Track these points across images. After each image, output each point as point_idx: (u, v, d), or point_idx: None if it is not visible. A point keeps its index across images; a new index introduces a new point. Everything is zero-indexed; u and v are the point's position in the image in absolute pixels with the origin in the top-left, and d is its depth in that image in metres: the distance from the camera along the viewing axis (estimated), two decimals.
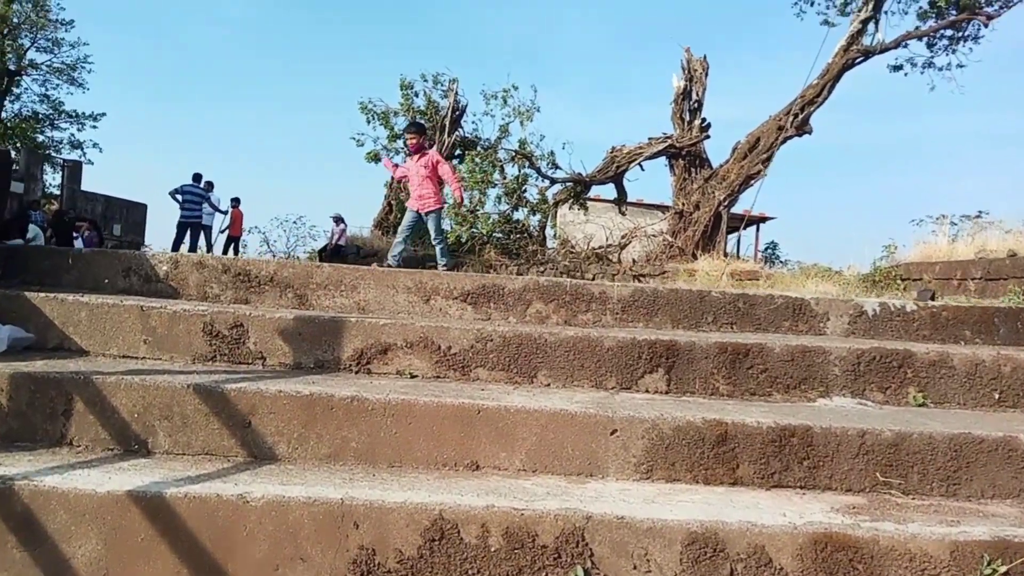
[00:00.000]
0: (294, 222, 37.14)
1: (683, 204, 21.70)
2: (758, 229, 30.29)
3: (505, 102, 22.35)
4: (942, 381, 2.86)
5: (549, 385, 2.56)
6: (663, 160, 22.68)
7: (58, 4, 27.68)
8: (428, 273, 2.91)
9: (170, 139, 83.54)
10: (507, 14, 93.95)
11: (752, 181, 20.72)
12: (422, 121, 19.85)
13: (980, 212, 27.09)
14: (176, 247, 15.94)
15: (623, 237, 21.66)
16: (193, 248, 15.51)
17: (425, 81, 22.64)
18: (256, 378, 2.48)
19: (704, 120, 22.85)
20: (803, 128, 20.71)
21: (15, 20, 25.93)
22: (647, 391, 2.74)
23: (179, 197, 15.21)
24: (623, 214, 22.69)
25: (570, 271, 19.69)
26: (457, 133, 22.78)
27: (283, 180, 76.93)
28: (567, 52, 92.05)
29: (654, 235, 21.84)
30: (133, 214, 24.44)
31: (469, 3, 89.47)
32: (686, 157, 22.03)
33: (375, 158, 22.88)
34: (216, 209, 16.65)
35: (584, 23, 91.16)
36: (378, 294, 2.92)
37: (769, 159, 20.67)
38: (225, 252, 18.29)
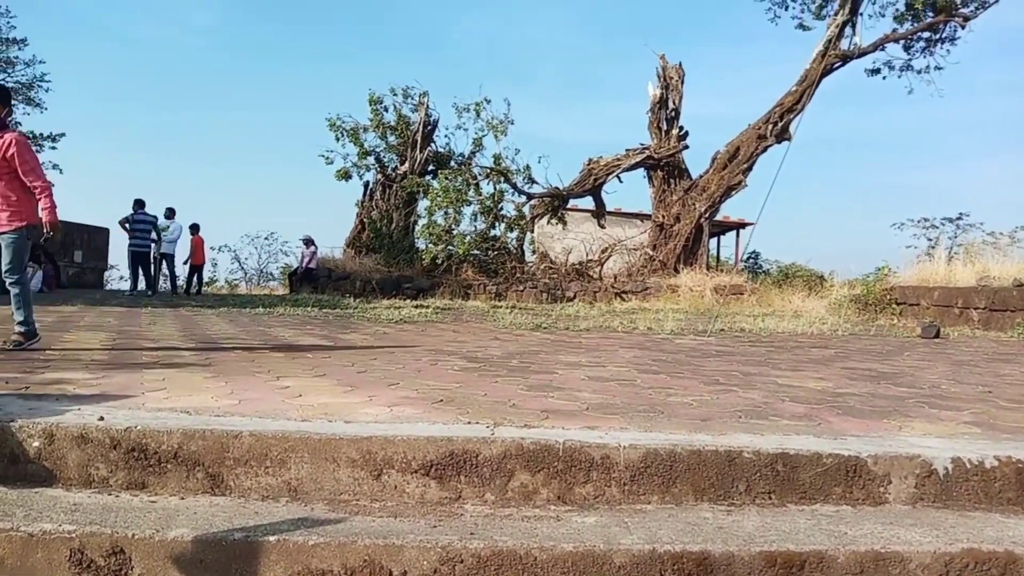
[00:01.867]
0: (265, 239, 36.36)
1: (663, 216, 21.20)
2: (738, 235, 29.92)
3: (478, 115, 21.71)
4: None
5: None
6: (641, 170, 22.17)
7: (8, 23, 26.63)
8: (379, 440, 2.21)
9: (136, 155, 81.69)
10: (475, 14, 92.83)
11: (733, 191, 20.26)
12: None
13: (961, 215, 26.94)
14: (135, 278, 15.14)
15: (603, 252, 21.13)
16: (146, 280, 14.66)
17: (395, 95, 21.97)
18: None
19: (682, 129, 22.38)
20: (783, 136, 20.31)
21: None
22: None
23: (127, 226, 14.46)
24: (602, 227, 22.14)
25: (550, 289, 19.12)
26: (429, 148, 22.12)
27: (253, 199, 75.43)
28: (535, 50, 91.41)
29: (635, 248, 21.33)
30: (95, 239, 23.46)
31: (435, 5, 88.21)
32: (665, 168, 21.53)
33: (345, 175, 22.16)
34: (158, 237, 15.82)
35: (551, 20, 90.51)
36: (313, 470, 2.22)
37: (750, 168, 20.23)
38: (189, 283, 17.43)
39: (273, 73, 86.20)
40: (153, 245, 16.85)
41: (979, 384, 4.36)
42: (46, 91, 28.63)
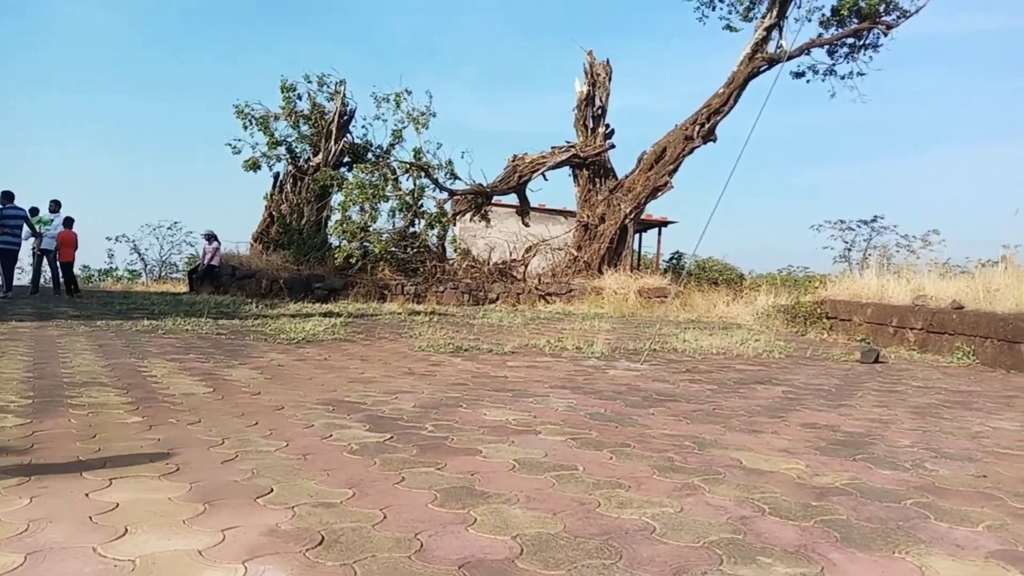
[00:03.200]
0: (168, 228, 34.08)
1: (588, 216, 20.68)
2: (660, 233, 29.80)
3: (398, 106, 20.63)
4: None
5: None
6: (567, 168, 21.58)
7: None
8: None
9: (30, 141, 75.99)
10: (403, 9, 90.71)
11: (659, 193, 19.91)
12: None
13: (876, 217, 27.52)
14: (7, 280, 13.46)
15: (527, 251, 20.46)
16: (6, 281, 12.99)
17: (309, 82, 20.64)
18: None
19: (608, 127, 21.90)
20: (709, 137, 20.06)
21: None
22: None
23: (4, 222, 12.81)
24: (527, 225, 21.46)
25: (472, 290, 18.29)
26: (345, 139, 20.91)
27: (156, 191, 71.37)
28: (462, 42, 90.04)
29: (559, 249, 20.74)
30: None
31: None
32: (591, 167, 21.00)
33: (253, 166, 20.72)
34: (33, 232, 14.22)
35: (478, 18, 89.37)
36: None
37: (675, 169, 19.92)
38: (56, 281, 15.71)
39: (186, 59, 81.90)
40: (31, 241, 15.21)
41: (966, 459, 3.81)
42: None
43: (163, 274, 32.29)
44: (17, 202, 13.66)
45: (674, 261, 26.42)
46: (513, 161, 20.89)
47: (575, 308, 16.94)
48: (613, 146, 20.93)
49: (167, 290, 21.79)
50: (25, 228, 13.90)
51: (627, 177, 20.56)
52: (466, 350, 7.70)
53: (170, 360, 6.06)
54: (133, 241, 32.93)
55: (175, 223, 32.83)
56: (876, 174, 71.59)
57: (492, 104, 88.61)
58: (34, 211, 15.53)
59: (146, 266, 32.93)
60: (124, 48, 79.85)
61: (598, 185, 20.93)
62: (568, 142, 21.50)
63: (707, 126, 19.72)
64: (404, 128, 20.97)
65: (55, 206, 16.00)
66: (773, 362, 7.85)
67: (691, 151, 19.75)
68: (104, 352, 6.38)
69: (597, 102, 21.98)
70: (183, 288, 20.03)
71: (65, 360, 5.83)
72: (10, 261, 13.60)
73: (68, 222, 15.14)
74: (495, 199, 22.13)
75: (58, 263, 15.77)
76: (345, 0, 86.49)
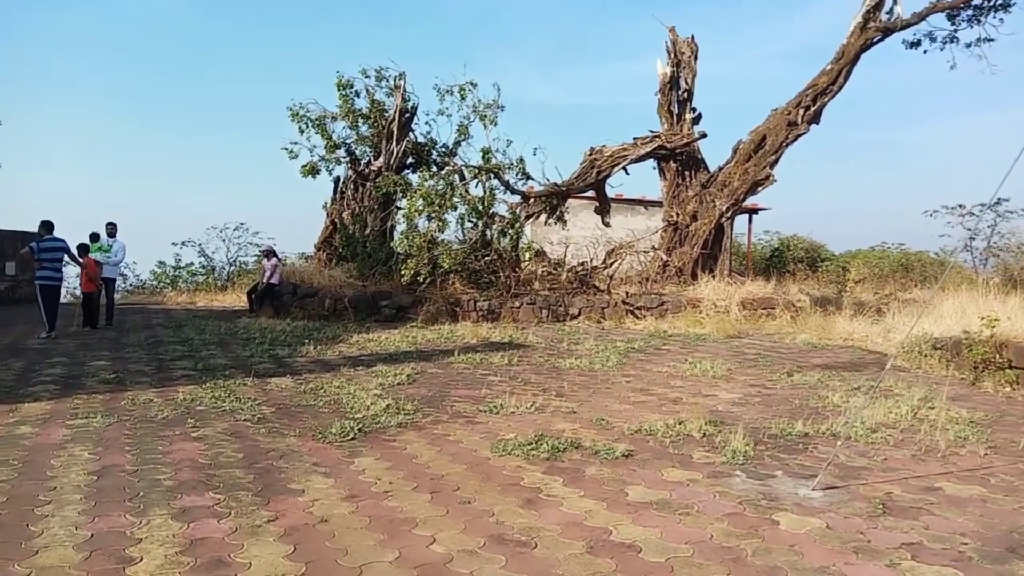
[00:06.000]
0: (234, 230, 33.32)
1: (677, 214, 18.59)
2: (750, 221, 27.31)
3: (463, 99, 18.93)
4: None
5: None
6: (650, 160, 19.49)
7: None
8: None
9: (83, 147, 76.92)
10: None
11: (759, 187, 17.66)
12: None
13: (1000, 199, 24.40)
14: (51, 318, 12.34)
15: (609, 255, 18.52)
16: (51, 320, 11.75)
17: (367, 77, 19.12)
18: None
19: (696, 112, 19.69)
20: (815, 120, 17.64)
21: None
22: None
23: (34, 255, 11.70)
24: (607, 224, 19.51)
25: (551, 304, 16.50)
26: (408, 138, 19.33)
27: (210, 199, 71.59)
28: (523, 13, 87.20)
29: (644, 251, 18.71)
30: None
31: None
32: (678, 159, 18.87)
33: (312, 171, 19.38)
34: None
35: None
36: None
37: (777, 160, 17.60)
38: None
39: (238, 49, 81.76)
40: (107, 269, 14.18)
41: None
42: None
43: (231, 278, 31.48)
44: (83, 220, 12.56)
45: (772, 254, 23.96)
46: (590, 155, 18.96)
47: (670, 326, 14.97)
48: (704, 135, 18.74)
49: (230, 304, 20.79)
50: (66, 260, 12.80)
51: (721, 169, 18.36)
52: (564, 451, 5.93)
53: (177, 514, 4.50)
54: (200, 245, 32.33)
55: (241, 224, 31.98)
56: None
57: (550, 77, 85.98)
58: (94, 236, 14.51)
59: (214, 270, 32.29)
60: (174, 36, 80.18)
61: (688, 179, 18.80)
62: (651, 131, 19.42)
63: (813, 109, 17.32)
64: (470, 123, 19.28)
65: (112, 229, 14.90)
66: (975, 459, 5.85)
67: (795, 138, 17.40)
68: (99, 493, 4.87)
69: (682, 84, 19.82)
70: (244, 299, 18.80)
71: (37, 523, 4.35)
72: (51, 298, 12.49)
73: (83, 248, 13.88)
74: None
75: (114, 294, 14.74)
76: None
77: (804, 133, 17.28)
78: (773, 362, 10.94)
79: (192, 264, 30.90)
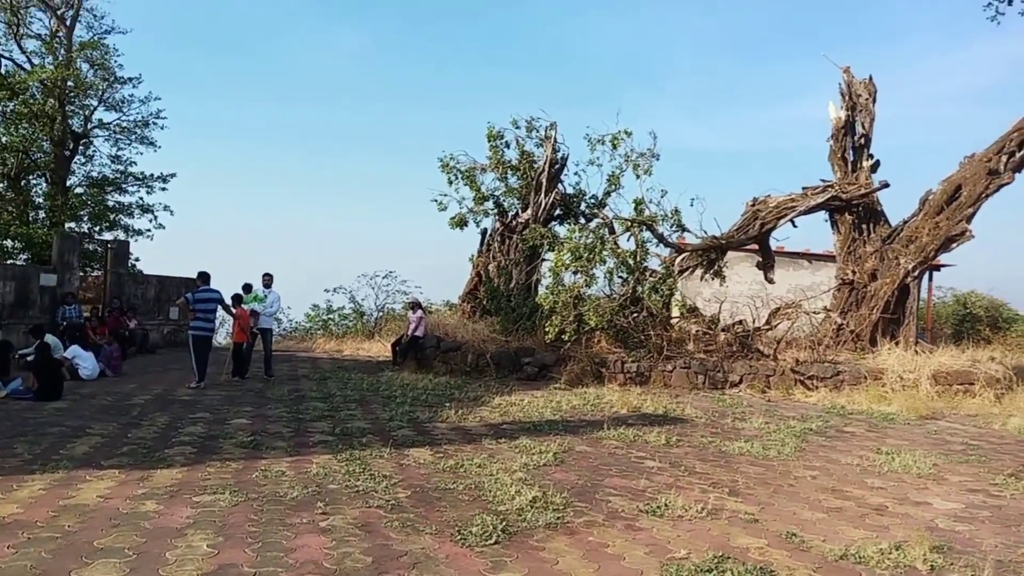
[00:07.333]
0: (383, 277, 34.04)
1: (853, 272, 16.70)
2: (931, 279, 24.53)
3: (615, 148, 18.15)
4: None
5: None
6: (822, 212, 17.76)
7: (118, 63, 25.54)
8: None
9: (238, 195, 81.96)
10: (603, 24, 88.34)
11: (953, 244, 15.51)
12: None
13: None
14: (202, 369, 12.47)
15: (773, 315, 16.87)
16: (200, 370, 11.81)
17: (517, 128, 18.76)
18: None
19: (873, 159, 17.84)
20: (1019, 169, 15.38)
21: (71, 84, 23.86)
22: None
23: (189, 306, 11.89)
24: (770, 281, 17.87)
25: (707, 369, 15.09)
26: (556, 190, 18.71)
27: (360, 249, 74.39)
28: (668, 57, 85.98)
29: (816, 312, 16.89)
30: None
31: (558, 21, 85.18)
32: (854, 211, 17.06)
33: (460, 223, 19.14)
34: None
35: (682, 26, 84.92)
36: None
37: (975, 213, 15.43)
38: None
39: (389, 109, 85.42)
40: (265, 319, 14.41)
41: None
42: (161, 128, 27.56)
43: (378, 324, 31.95)
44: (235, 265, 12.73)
45: (964, 317, 21.29)
46: (753, 206, 17.51)
47: (848, 400, 13.18)
48: (885, 184, 16.84)
49: (375, 354, 20.80)
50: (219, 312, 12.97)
51: (906, 223, 16.38)
52: None
53: None
54: (350, 292, 33.22)
55: (390, 272, 32.59)
56: None
57: (703, 121, 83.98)
58: (247, 287, 14.73)
59: (362, 315, 33.01)
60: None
61: (865, 233, 16.92)
62: (822, 180, 17.75)
63: (1019, 155, 15.09)
64: (622, 173, 18.42)
65: (268, 280, 15.01)
66: None
67: (997, 188, 15.20)
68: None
69: (858, 129, 18.08)
70: (389, 349, 18.60)
71: None
72: (202, 348, 12.64)
73: (237, 299, 14.00)
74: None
75: (271, 343, 14.90)
76: (542, 27, 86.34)
77: (1008, 183, 15.05)
78: (988, 457, 9.11)
79: (343, 307, 31.61)
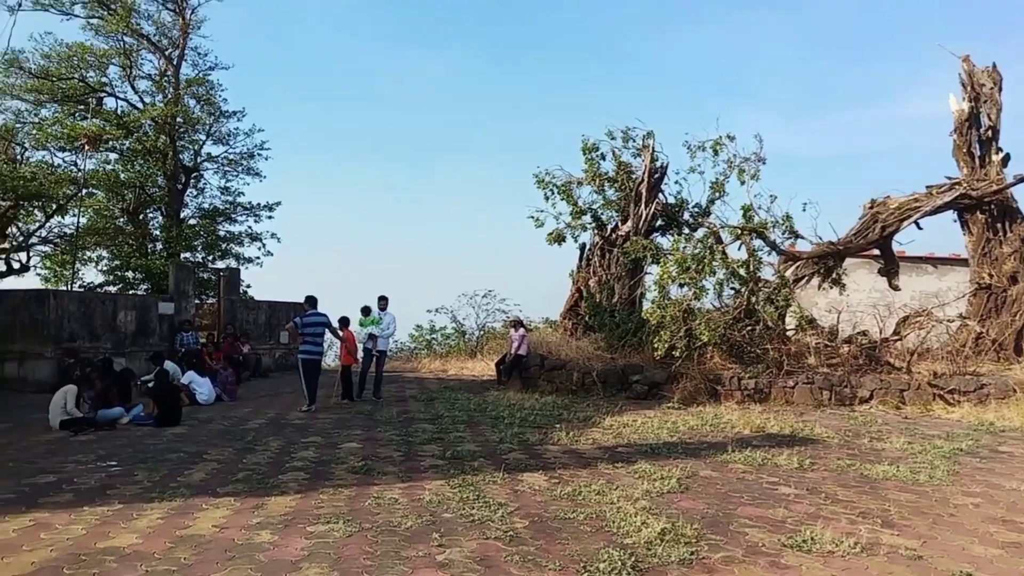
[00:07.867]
0: (483, 296, 34.14)
1: (990, 275, 15.33)
2: None
3: (716, 154, 17.39)
4: None
5: None
6: (950, 212, 16.45)
7: (222, 98, 26.68)
8: None
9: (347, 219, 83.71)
10: (685, 32, 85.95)
11: None
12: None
13: None
14: (312, 392, 12.58)
15: (901, 324, 15.66)
16: (312, 394, 11.93)
17: (612, 139, 18.28)
18: None
19: (1003, 152, 16.41)
20: None
21: (179, 120, 25.04)
22: None
23: (297, 330, 12.04)
24: (895, 288, 16.66)
25: (833, 385, 14.07)
26: (657, 200, 18.10)
27: (457, 268, 74.60)
28: (758, 62, 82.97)
29: (950, 320, 15.55)
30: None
31: (640, 30, 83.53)
32: (986, 209, 15.70)
33: (558, 239, 18.78)
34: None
35: (770, 28, 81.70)
36: None
37: None
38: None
39: (477, 126, 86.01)
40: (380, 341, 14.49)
41: None
42: (265, 159, 28.61)
43: (479, 343, 31.97)
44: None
45: None
46: (871, 208, 16.42)
47: (996, 416, 11.97)
48: (1022, 179, 15.40)
49: (479, 373, 20.65)
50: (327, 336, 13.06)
51: None
52: None
53: None
54: (452, 312, 33.45)
55: (489, 291, 32.63)
56: None
57: (802, 128, 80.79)
58: (365, 310, 14.80)
59: (464, 335, 33.13)
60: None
61: (1001, 233, 15.54)
62: (948, 178, 16.46)
63: None
64: (726, 180, 17.63)
65: (384, 303, 14.84)
66: None
67: None
68: None
69: (984, 121, 16.68)
70: (492, 368, 18.38)
71: None
72: (311, 372, 12.73)
73: (344, 321, 14.03)
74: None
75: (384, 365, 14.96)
76: (632, 43, 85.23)
77: None
78: None
79: (445, 327, 31.84)
